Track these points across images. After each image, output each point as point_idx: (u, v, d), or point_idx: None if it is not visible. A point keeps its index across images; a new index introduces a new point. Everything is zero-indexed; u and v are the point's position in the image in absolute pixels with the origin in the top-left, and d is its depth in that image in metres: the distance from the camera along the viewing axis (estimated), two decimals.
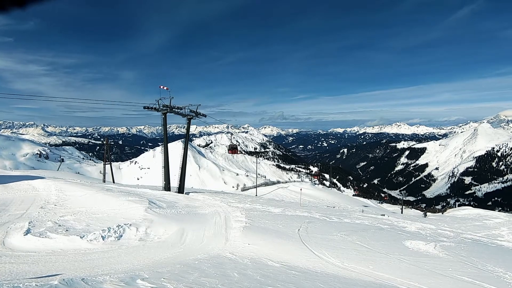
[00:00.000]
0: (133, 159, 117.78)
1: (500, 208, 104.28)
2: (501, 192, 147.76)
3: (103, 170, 36.64)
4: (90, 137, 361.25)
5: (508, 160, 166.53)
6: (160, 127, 23.88)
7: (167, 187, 23.25)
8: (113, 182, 36.70)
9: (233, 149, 29.37)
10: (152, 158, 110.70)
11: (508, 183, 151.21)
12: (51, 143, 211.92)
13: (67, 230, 9.15)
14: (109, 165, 36.94)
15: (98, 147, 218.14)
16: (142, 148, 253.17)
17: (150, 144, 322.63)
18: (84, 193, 14.37)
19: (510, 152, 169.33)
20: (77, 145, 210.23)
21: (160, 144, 26.65)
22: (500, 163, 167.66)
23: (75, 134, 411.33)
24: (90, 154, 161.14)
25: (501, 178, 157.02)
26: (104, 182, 34.37)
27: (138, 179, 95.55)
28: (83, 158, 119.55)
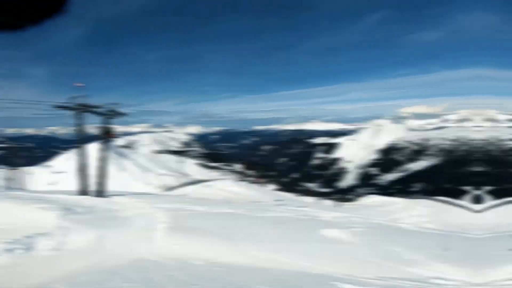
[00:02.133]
0: (45, 163, 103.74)
1: (400, 195, 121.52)
2: (400, 180, 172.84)
3: (8, 176, 31.60)
4: None
5: (404, 151, 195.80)
6: (75, 128, 21.78)
7: (84, 191, 21.39)
8: (22, 189, 32.02)
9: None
10: (67, 161, 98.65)
11: (405, 172, 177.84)
12: None
13: None
14: (16, 170, 32.06)
15: (1, 151, 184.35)
16: (56, 150, 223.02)
17: (64, 146, 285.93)
18: None
19: (406, 144, 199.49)
20: None
21: (76, 145, 23.82)
22: (399, 155, 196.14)
23: None
24: None
25: (400, 168, 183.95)
26: (10, 189, 29.80)
27: (52, 184, 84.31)
28: None
